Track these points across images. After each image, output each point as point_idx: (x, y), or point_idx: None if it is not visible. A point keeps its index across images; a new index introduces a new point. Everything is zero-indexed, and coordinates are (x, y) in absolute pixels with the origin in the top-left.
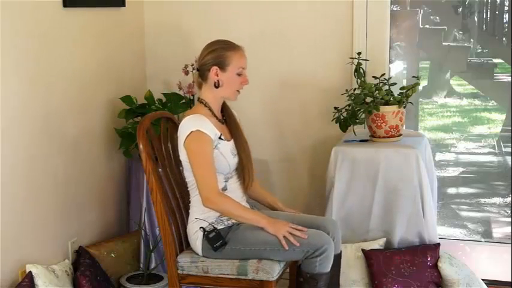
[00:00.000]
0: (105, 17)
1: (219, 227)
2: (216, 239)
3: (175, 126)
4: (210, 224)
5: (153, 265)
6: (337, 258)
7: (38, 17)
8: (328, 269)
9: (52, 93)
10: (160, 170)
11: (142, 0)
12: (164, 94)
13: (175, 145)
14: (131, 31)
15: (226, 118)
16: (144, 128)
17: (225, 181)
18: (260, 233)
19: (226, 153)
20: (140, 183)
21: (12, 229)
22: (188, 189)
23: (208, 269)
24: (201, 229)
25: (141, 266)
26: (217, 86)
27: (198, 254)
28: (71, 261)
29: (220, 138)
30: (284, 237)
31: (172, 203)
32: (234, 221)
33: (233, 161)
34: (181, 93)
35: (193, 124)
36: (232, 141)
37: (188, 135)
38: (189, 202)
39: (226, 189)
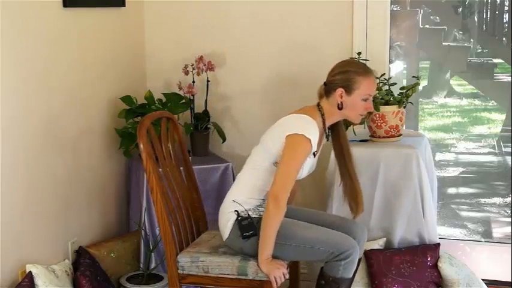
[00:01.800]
0: (105, 17)
1: (253, 215)
2: (247, 228)
3: (175, 126)
4: (246, 211)
5: (153, 265)
6: (358, 262)
7: (38, 17)
8: (351, 275)
9: (52, 93)
10: (160, 169)
11: (143, 0)
12: (164, 94)
13: (176, 145)
14: (131, 31)
15: (335, 137)
16: (144, 127)
17: None
18: (290, 228)
19: (305, 168)
20: (140, 183)
21: (12, 229)
22: (247, 161)
23: (208, 268)
24: (236, 212)
25: (141, 266)
26: (340, 108)
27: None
28: (71, 261)
29: (313, 154)
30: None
31: (173, 203)
32: None
33: (303, 175)
34: (181, 93)
35: (309, 130)
36: (316, 158)
37: (299, 134)
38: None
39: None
